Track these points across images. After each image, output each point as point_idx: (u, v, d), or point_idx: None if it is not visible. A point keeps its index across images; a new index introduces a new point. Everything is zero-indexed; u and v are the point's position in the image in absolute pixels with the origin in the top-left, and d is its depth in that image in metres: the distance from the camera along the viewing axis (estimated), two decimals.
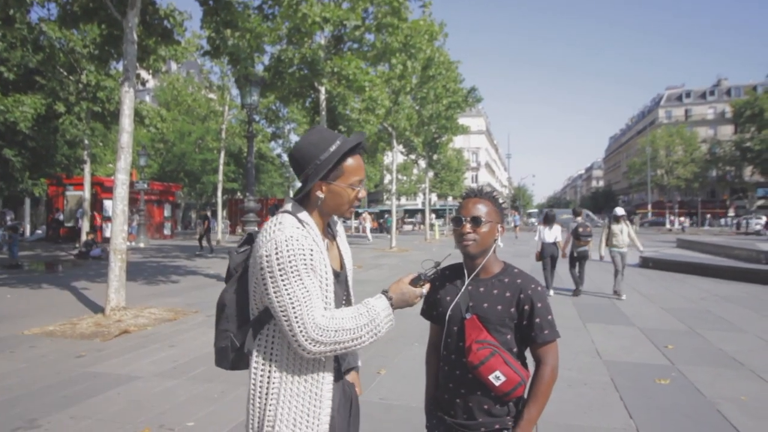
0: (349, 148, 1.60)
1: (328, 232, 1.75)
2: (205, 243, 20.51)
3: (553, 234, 10.29)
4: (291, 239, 1.48)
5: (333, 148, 1.58)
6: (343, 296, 1.73)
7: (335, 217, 1.80)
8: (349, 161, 1.62)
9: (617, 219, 9.96)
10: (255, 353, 1.58)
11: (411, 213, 57.78)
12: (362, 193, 1.67)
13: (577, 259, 10.25)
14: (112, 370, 5.21)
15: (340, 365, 1.71)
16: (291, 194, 1.91)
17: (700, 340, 6.60)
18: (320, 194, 1.61)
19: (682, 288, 11.27)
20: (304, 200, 1.65)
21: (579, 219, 10.64)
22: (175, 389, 4.64)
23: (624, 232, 9.89)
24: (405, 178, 55.62)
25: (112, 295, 7.72)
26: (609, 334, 6.93)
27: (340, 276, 1.69)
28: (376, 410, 4.15)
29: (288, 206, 1.64)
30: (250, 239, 1.69)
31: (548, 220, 10.42)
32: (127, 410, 4.13)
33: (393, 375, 5.10)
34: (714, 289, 11.13)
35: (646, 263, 15.55)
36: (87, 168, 19.71)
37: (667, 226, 54.93)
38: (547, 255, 10.28)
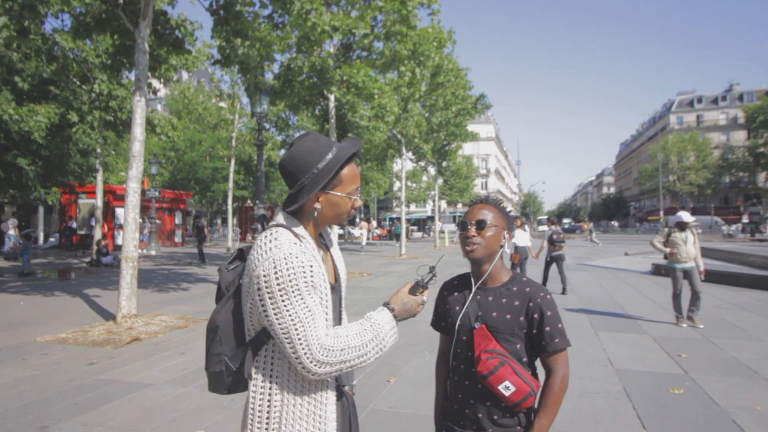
0: (349, 156, 1.55)
1: (321, 242, 1.68)
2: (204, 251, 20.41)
3: (527, 237, 12.26)
4: (290, 257, 1.40)
5: (330, 155, 1.52)
6: (338, 309, 1.67)
7: (328, 227, 1.73)
8: (346, 169, 1.56)
9: (682, 227, 8.09)
10: (254, 376, 1.51)
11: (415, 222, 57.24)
12: (359, 202, 1.62)
13: (554, 261, 11.60)
14: (123, 377, 5.24)
15: (339, 378, 1.67)
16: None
17: (714, 349, 6.51)
18: (317, 205, 1.54)
19: None
20: (297, 212, 1.57)
21: (554, 227, 12.16)
22: (185, 397, 4.65)
23: (690, 242, 8.03)
24: (414, 185, 55.57)
25: (124, 303, 7.77)
26: (621, 342, 6.86)
27: (335, 288, 1.63)
28: (385, 419, 4.13)
29: (280, 219, 1.55)
30: (241, 255, 1.60)
31: (525, 224, 12.74)
32: (138, 418, 4.14)
33: (402, 383, 5.07)
34: (728, 296, 10.99)
35: (659, 270, 15.38)
36: (99, 176, 19.90)
37: None
38: (524, 257, 12.09)
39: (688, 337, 7.19)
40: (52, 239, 29.71)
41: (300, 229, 1.53)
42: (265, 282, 1.40)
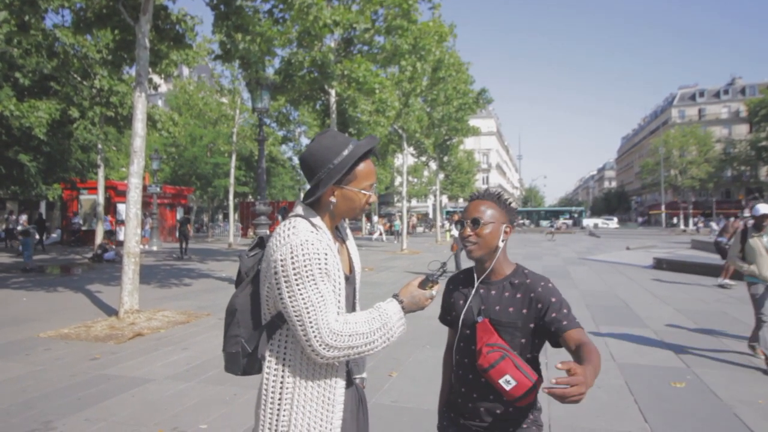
0: (363, 152, 1.60)
1: (338, 235, 1.75)
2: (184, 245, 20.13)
3: None
4: (306, 243, 1.48)
5: (346, 152, 1.58)
6: (352, 300, 1.74)
7: (344, 221, 1.81)
8: (362, 166, 1.62)
9: (759, 224, 5.62)
10: (268, 358, 1.58)
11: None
12: (373, 198, 1.67)
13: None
14: (126, 372, 5.26)
15: (351, 370, 1.72)
16: (301, 197, 1.90)
17: (716, 342, 6.52)
18: (333, 198, 1.61)
19: (696, 289, 11.14)
20: (315, 204, 1.64)
21: None
22: (188, 392, 4.67)
23: None
24: (416, 180, 55.50)
25: (126, 298, 7.79)
26: (622, 336, 6.86)
27: (349, 279, 1.70)
28: (387, 413, 4.14)
29: (299, 210, 1.63)
30: (261, 243, 1.69)
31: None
32: (140, 412, 4.16)
33: (404, 377, 5.09)
34: (729, 290, 10.98)
35: (660, 264, 15.39)
36: (100, 172, 19.91)
37: (681, 227, 54.26)
38: (461, 247, 13.78)
39: (690, 331, 7.19)
40: (53, 235, 29.78)
41: (317, 220, 1.60)
42: (282, 266, 1.47)
